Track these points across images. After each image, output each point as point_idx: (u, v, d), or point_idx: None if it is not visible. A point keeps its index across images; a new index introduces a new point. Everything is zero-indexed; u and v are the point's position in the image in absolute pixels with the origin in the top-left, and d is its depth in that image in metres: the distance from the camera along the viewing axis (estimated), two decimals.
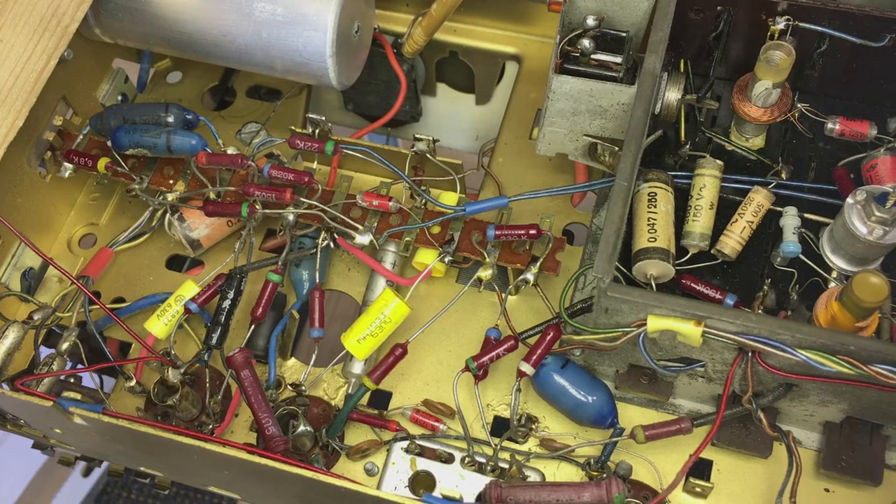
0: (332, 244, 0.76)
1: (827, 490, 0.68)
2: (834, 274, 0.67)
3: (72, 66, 0.80)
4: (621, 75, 0.68)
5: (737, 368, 0.62)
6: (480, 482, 0.69)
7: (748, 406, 0.64)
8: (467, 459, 0.70)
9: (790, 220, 0.68)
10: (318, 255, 0.75)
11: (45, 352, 0.74)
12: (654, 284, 0.66)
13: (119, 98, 0.89)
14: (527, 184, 0.82)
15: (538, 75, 0.90)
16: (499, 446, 0.69)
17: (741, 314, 0.58)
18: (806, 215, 0.69)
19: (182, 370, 0.71)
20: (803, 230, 0.68)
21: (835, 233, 0.66)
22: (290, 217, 0.75)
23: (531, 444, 0.71)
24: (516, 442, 0.71)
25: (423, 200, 0.76)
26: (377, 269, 0.76)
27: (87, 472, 1.42)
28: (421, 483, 0.71)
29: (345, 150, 0.77)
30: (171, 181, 0.79)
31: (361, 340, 0.71)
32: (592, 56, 0.68)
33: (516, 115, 0.88)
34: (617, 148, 0.70)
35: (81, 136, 0.81)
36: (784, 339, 0.57)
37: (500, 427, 0.72)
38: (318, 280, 0.75)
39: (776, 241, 0.69)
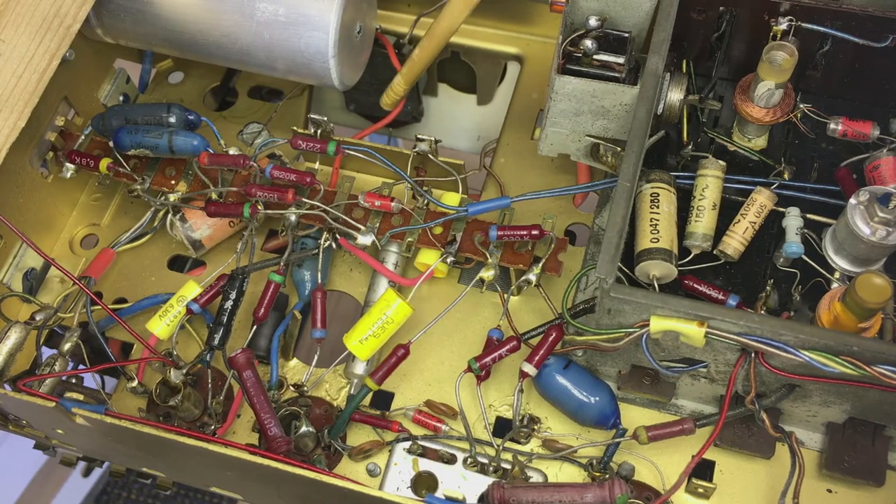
0: (334, 245, 0.76)
1: (829, 491, 0.68)
2: (837, 275, 0.67)
3: (74, 67, 0.80)
4: (624, 76, 0.68)
5: (739, 369, 0.62)
6: (483, 483, 0.69)
7: (751, 407, 0.64)
8: (470, 460, 0.70)
9: (793, 220, 0.68)
10: (320, 256, 0.75)
11: (47, 352, 0.74)
12: (656, 285, 0.66)
13: (121, 98, 0.89)
14: (529, 184, 0.82)
15: (540, 76, 0.90)
16: (501, 447, 0.69)
17: (744, 315, 0.58)
18: (808, 216, 0.68)
19: (184, 371, 0.71)
20: (806, 231, 0.68)
21: (837, 233, 0.66)
22: (292, 217, 0.75)
23: (533, 445, 0.71)
24: (518, 443, 0.71)
25: (425, 201, 0.76)
26: (379, 270, 0.76)
27: (87, 472, 1.42)
28: (423, 484, 0.71)
29: (347, 151, 0.77)
30: (172, 182, 0.79)
31: (363, 341, 0.71)
32: (595, 56, 0.68)
33: (518, 116, 0.88)
34: (619, 148, 0.70)
35: (83, 137, 0.81)
36: (787, 339, 0.57)
37: (502, 428, 0.72)
38: (319, 281, 0.75)
39: (779, 241, 0.69)
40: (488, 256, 0.73)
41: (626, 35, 0.69)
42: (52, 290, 0.82)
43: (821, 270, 0.67)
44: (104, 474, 1.44)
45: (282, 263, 0.74)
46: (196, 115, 0.80)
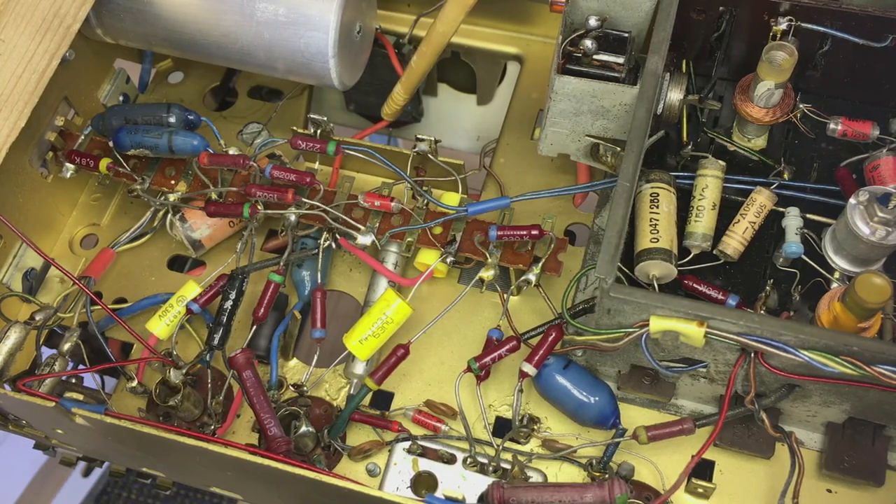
0: (333, 245, 0.75)
1: (829, 491, 0.68)
2: (836, 275, 0.67)
3: (73, 67, 0.80)
4: (623, 76, 0.68)
5: (739, 369, 0.62)
6: (482, 483, 0.69)
7: (750, 407, 0.64)
8: (469, 460, 0.70)
9: (792, 220, 0.68)
10: (320, 256, 0.75)
11: (46, 352, 0.74)
12: (656, 285, 0.66)
13: (121, 98, 0.89)
14: (529, 184, 0.82)
15: (540, 76, 0.90)
16: (501, 447, 0.69)
17: (744, 315, 0.58)
18: (808, 216, 0.68)
19: (184, 371, 0.71)
20: (805, 231, 0.68)
21: (837, 233, 0.66)
22: (292, 217, 0.75)
23: (533, 445, 0.71)
24: (518, 442, 0.71)
25: (425, 201, 0.76)
26: (379, 270, 0.76)
27: (87, 472, 1.42)
28: (423, 484, 0.71)
29: (346, 151, 0.77)
30: (172, 182, 0.79)
31: (363, 341, 0.71)
32: (595, 56, 0.68)
33: (518, 116, 0.88)
34: (619, 148, 0.70)
35: (83, 137, 0.81)
36: (786, 339, 0.57)
37: (502, 428, 0.72)
38: (319, 280, 0.75)
39: (778, 241, 0.69)
40: (488, 256, 0.73)
41: (626, 35, 0.69)
42: (51, 290, 0.82)
43: (820, 270, 0.67)
44: (104, 474, 1.44)
45: (281, 263, 0.74)
46: (196, 115, 0.80)
